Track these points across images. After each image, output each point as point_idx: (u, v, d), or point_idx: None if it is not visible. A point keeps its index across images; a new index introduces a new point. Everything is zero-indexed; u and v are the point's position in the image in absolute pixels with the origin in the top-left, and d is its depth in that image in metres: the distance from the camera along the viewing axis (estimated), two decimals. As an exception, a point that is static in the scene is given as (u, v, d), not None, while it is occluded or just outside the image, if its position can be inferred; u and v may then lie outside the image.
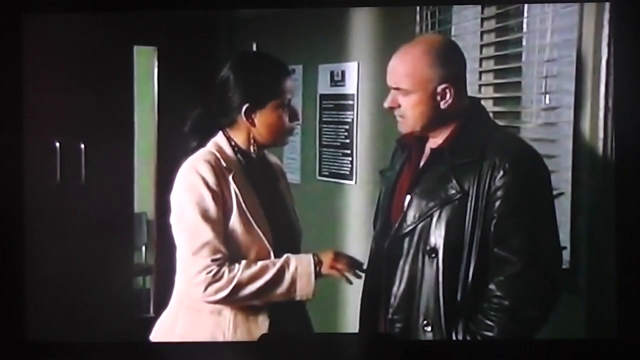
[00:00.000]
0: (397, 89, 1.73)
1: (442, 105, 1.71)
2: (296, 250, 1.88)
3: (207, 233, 1.73)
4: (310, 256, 1.80)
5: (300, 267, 1.77)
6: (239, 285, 1.74)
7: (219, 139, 1.83)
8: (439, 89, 1.70)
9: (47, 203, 2.51)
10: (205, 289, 1.73)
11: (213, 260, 1.73)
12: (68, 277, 2.61)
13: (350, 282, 1.84)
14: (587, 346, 1.83)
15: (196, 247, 1.73)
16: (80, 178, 2.75)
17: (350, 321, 1.89)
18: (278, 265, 1.76)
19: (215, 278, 1.73)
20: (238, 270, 1.74)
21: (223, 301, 1.76)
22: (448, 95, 1.70)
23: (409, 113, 1.73)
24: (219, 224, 1.74)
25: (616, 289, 1.79)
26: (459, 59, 1.75)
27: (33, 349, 1.90)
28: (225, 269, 1.73)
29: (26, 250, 1.91)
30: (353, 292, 1.92)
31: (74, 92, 2.66)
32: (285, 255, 1.78)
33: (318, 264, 1.79)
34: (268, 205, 1.83)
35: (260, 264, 1.76)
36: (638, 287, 1.79)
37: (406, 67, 1.71)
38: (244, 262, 1.75)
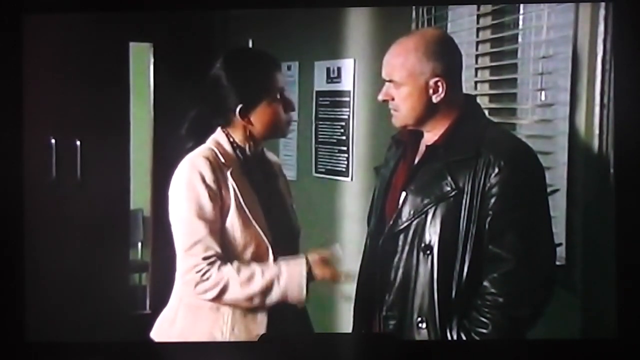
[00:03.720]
0: (390, 81, 1.73)
1: (435, 99, 1.71)
2: (294, 248, 1.88)
3: (200, 231, 1.73)
4: (304, 263, 1.77)
5: (290, 279, 1.75)
6: (227, 289, 1.73)
7: (218, 135, 1.83)
8: (431, 82, 1.70)
9: (43, 200, 2.51)
10: (195, 287, 1.74)
11: (204, 258, 1.73)
12: (64, 274, 2.61)
13: (346, 282, 1.83)
14: (586, 346, 1.83)
15: (189, 244, 1.73)
16: (76, 175, 2.74)
17: (349, 319, 1.88)
18: (267, 276, 1.75)
19: (203, 278, 1.73)
20: (227, 273, 1.73)
21: (213, 301, 1.76)
22: (440, 89, 1.70)
23: (402, 106, 1.73)
24: (214, 222, 1.74)
25: (615, 288, 1.80)
26: (454, 53, 1.74)
27: (33, 348, 1.90)
28: (214, 269, 1.73)
29: (26, 249, 1.92)
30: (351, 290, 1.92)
31: (69, 89, 2.65)
32: (277, 264, 1.76)
33: (309, 268, 1.77)
34: (266, 202, 1.82)
35: (250, 270, 1.74)
36: (637, 286, 1.80)
37: (399, 59, 1.71)
38: (236, 264, 1.74)
